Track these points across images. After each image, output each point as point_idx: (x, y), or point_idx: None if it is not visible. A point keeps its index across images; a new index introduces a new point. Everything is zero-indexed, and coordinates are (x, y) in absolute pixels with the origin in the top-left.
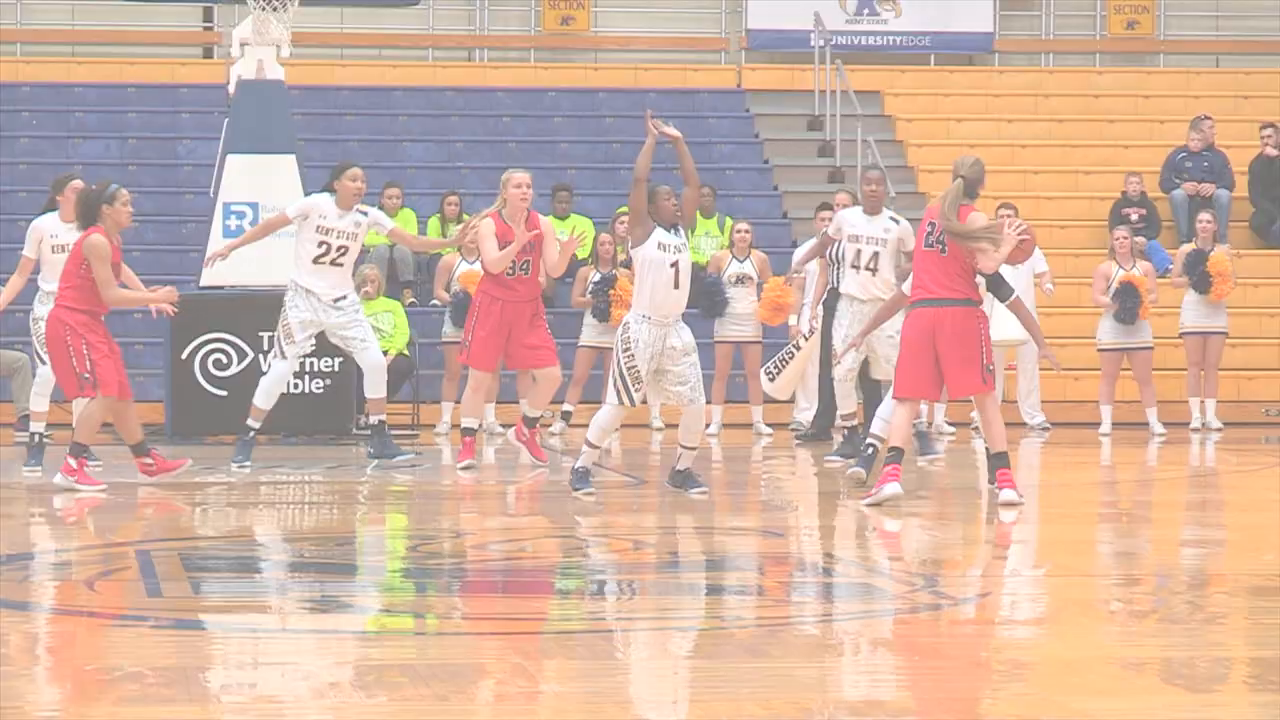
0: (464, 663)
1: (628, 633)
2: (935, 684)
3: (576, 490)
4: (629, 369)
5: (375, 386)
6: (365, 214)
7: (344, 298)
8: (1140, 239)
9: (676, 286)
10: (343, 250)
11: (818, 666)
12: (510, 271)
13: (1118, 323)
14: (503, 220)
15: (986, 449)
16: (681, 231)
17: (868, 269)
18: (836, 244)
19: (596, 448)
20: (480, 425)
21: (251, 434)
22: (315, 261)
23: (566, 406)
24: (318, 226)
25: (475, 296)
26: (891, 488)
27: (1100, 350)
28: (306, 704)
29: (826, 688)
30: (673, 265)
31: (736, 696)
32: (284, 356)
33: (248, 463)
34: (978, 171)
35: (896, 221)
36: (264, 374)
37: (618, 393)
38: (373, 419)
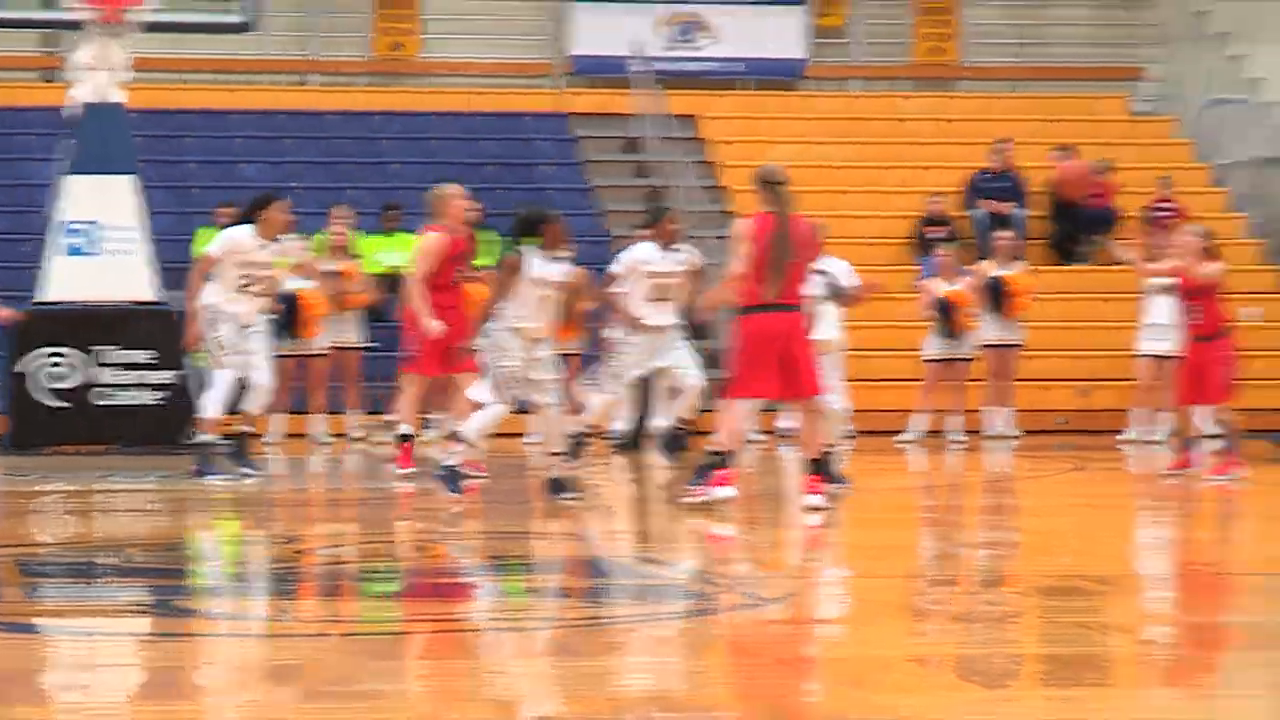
0: (290, 663)
1: (444, 634)
2: (743, 681)
3: (451, 491)
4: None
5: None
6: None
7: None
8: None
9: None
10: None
11: (633, 665)
12: (454, 281)
13: (940, 337)
14: (449, 234)
15: (802, 455)
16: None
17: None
18: None
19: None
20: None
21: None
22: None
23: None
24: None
25: (407, 315)
26: (724, 491)
27: (925, 360)
28: (140, 705)
29: (641, 685)
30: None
31: (549, 694)
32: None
33: (216, 473)
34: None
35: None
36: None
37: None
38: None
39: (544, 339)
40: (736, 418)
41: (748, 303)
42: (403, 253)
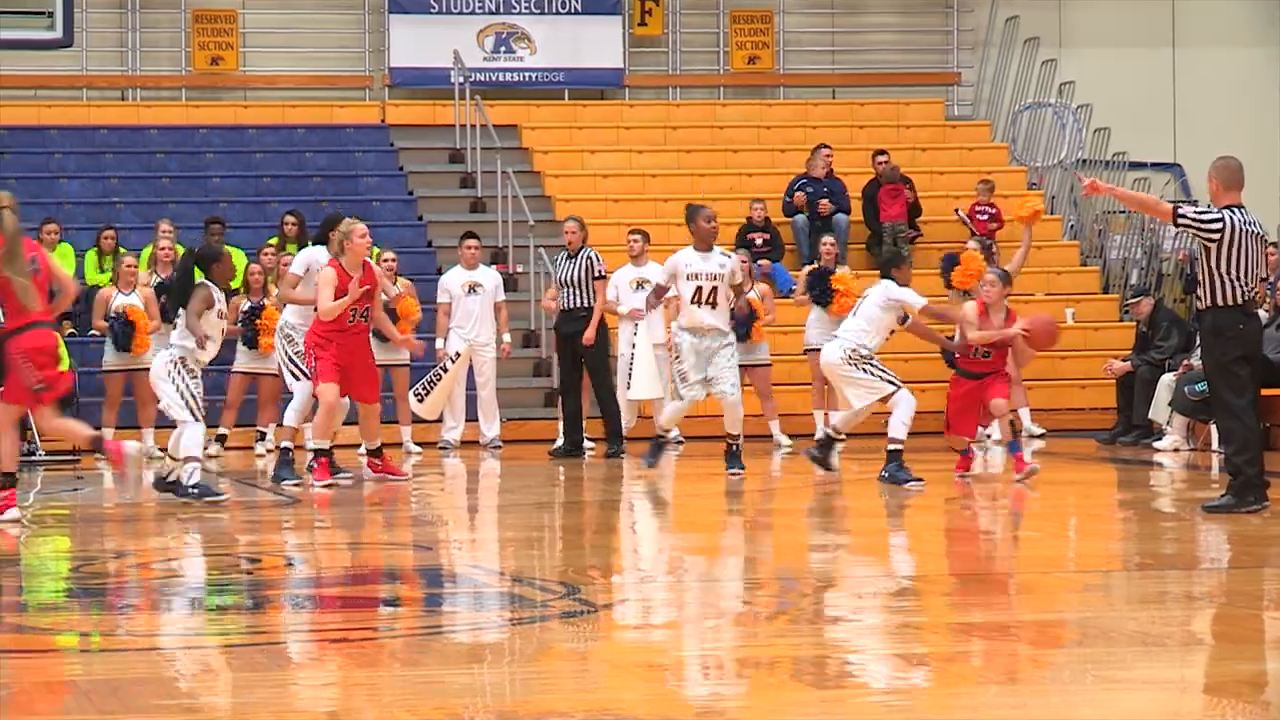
0: (126, 678)
1: (284, 645)
2: (576, 685)
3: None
4: None
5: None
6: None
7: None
8: (764, 261)
9: None
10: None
11: (467, 673)
12: (350, 319)
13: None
14: (342, 269)
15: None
16: None
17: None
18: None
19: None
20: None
21: (290, 452)
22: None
23: (222, 430)
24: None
25: (308, 339)
26: None
27: None
28: None
29: (475, 693)
30: None
31: (388, 704)
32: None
33: (291, 476)
34: None
35: (728, 256)
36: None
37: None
38: (282, 444)
39: None
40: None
41: None
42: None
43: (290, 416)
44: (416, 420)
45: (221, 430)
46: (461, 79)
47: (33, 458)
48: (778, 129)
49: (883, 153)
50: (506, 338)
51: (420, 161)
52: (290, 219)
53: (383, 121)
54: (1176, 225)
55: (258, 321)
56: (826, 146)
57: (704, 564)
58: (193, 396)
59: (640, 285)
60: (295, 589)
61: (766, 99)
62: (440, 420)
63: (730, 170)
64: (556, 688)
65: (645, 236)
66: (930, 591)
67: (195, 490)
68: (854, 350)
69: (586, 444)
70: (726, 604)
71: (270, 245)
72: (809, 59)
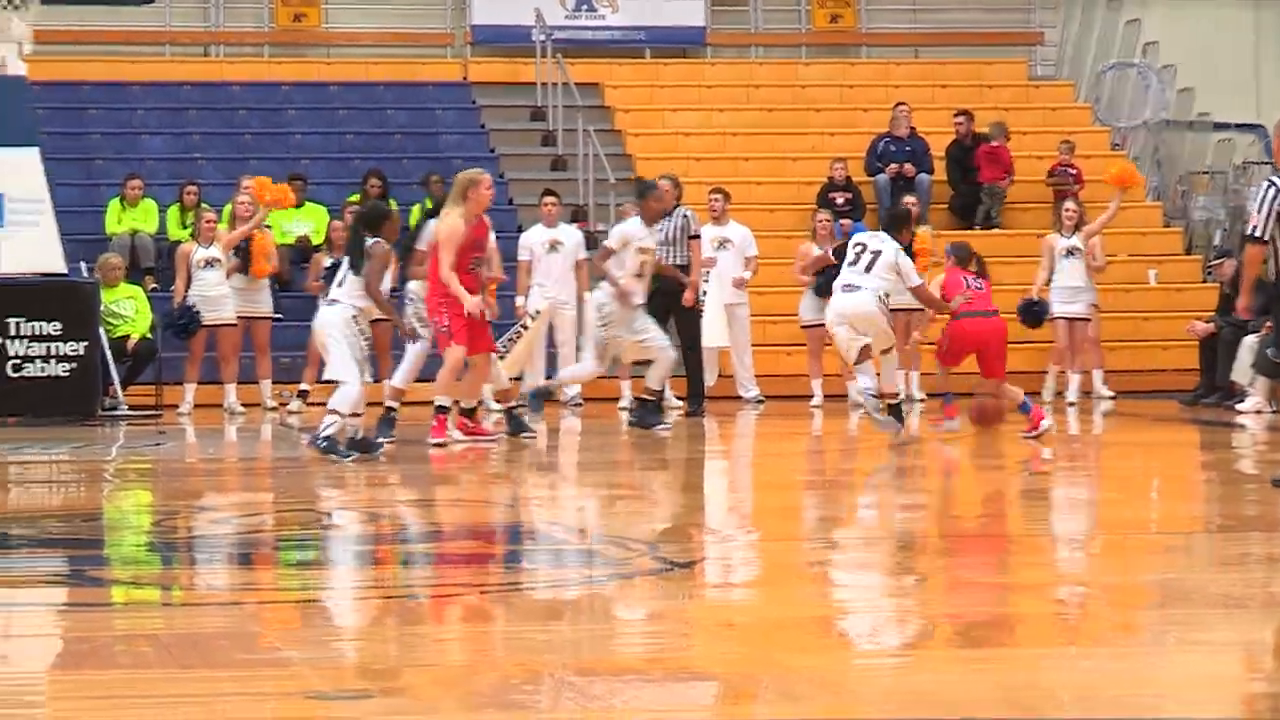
0: (207, 632)
1: (366, 600)
2: (655, 643)
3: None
4: None
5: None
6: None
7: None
8: (845, 221)
9: None
10: None
11: (546, 630)
12: (471, 267)
13: (817, 298)
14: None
15: None
16: None
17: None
18: None
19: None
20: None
21: (392, 413)
22: None
23: (304, 386)
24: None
25: (433, 301)
26: None
27: (803, 327)
28: (58, 674)
29: (554, 649)
30: None
31: (468, 660)
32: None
33: (391, 435)
34: None
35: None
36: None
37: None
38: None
39: None
40: None
41: None
42: (310, 222)
43: (399, 377)
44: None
45: (303, 386)
46: (543, 37)
47: (116, 412)
48: (859, 88)
49: (963, 112)
50: (588, 295)
51: (501, 119)
52: (374, 180)
53: (464, 79)
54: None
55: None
56: (904, 104)
57: (783, 522)
58: (359, 356)
59: (722, 244)
60: (375, 545)
61: (848, 58)
62: (520, 378)
63: (811, 129)
64: (636, 645)
65: (726, 195)
66: (1010, 551)
67: (324, 443)
68: (884, 297)
69: (673, 401)
70: (805, 563)
71: (352, 202)
72: (891, 18)
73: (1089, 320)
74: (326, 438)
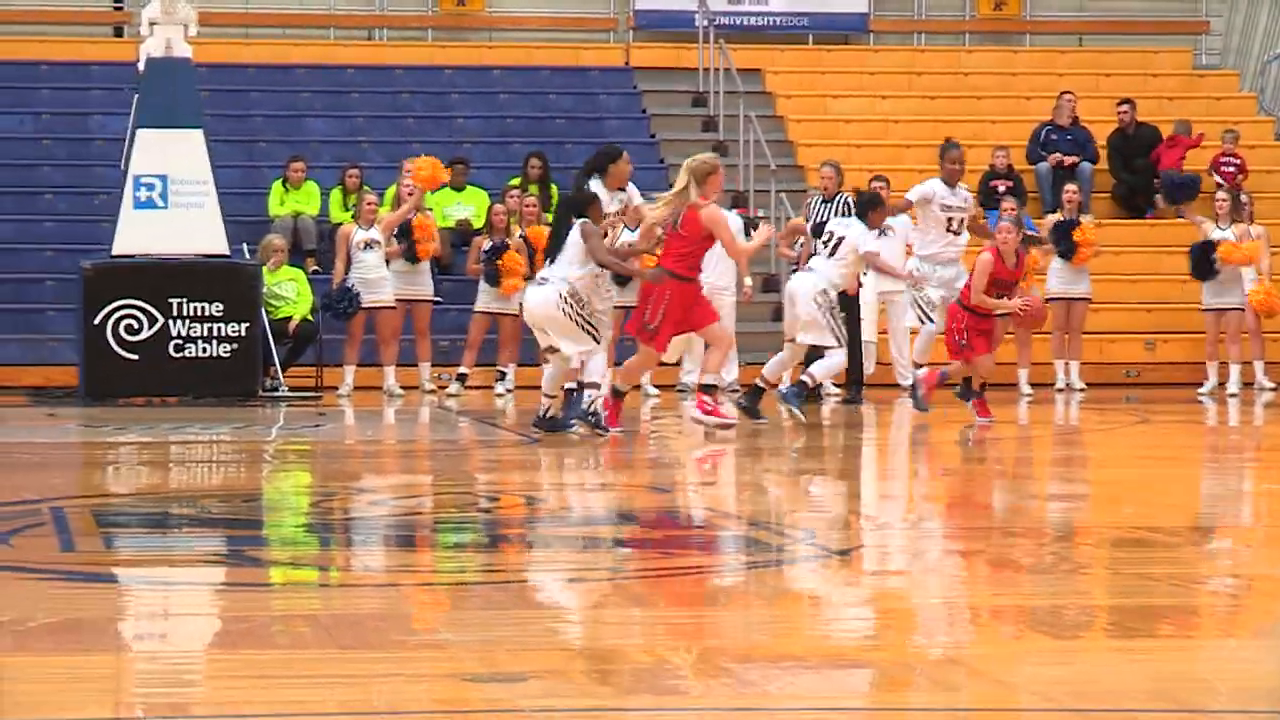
0: (364, 613)
1: (521, 584)
2: (812, 630)
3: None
4: None
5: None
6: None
7: None
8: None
9: None
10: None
11: (702, 615)
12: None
13: None
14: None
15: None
16: None
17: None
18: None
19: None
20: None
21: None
22: None
23: (463, 369)
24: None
25: (665, 280)
26: None
27: None
28: (215, 653)
29: (711, 635)
30: None
31: (624, 643)
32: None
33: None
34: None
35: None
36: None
37: None
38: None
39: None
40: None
41: None
42: (471, 206)
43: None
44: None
45: (462, 369)
46: (705, 22)
47: (276, 394)
48: (1023, 76)
49: (1127, 101)
50: (749, 281)
51: (663, 104)
52: (535, 161)
53: (626, 64)
54: None
55: (499, 262)
56: (1071, 94)
57: (941, 511)
58: (589, 323)
59: (883, 232)
60: (533, 528)
61: (1012, 45)
62: (679, 363)
63: (974, 117)
64: (792, 632)
65: (887, 183)
66: (1166, 543)
67: (593, 418)
68: (828, 289)
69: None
70: (962, 551)
71: (513, 186)
72: (1056, 5)
73: (1241, 311)
74: (593, 412)
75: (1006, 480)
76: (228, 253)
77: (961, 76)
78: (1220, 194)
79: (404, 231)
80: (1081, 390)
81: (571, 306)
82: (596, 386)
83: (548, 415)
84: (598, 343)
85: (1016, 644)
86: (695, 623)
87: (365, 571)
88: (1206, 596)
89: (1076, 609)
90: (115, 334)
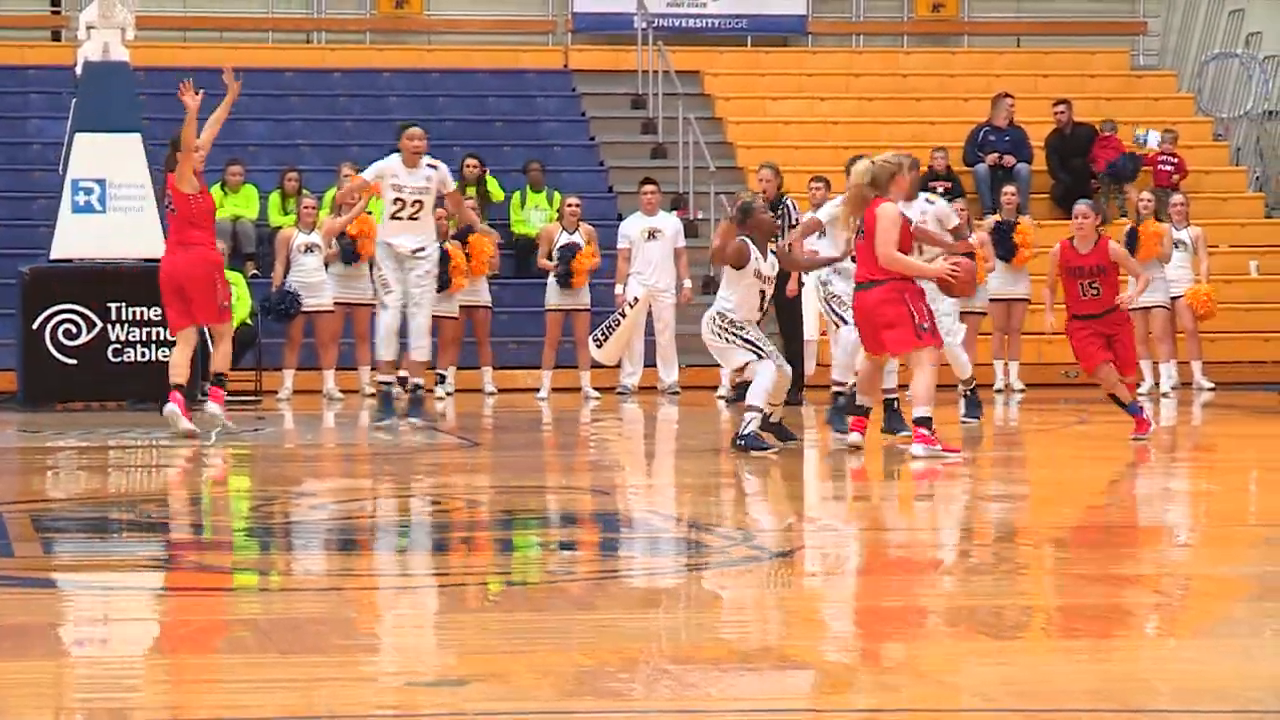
0: (305, 617)
1: (462, 587)
2: (750, 631)
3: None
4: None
5: (415, 350)
6: (435, 168)
7: (422, 249)
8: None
9: None
10: (417, 205)
11: (642, 617)
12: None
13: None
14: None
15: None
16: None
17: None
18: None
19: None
20: None
21: (387, 389)
22: (392, 218)
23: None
24: (392, 185)
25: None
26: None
27: None
28: (156, 658)
29: (650, 637)
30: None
31: (564, 647)
32: (385, 306)
33: (388, 418)
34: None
35: (931, 203)
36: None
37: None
38: (411, 381)
39: None
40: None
41: None
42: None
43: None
44: (595, 365)
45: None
46: (644, 25)
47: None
48: (961, 77)
49: (1063, 102)
50: (687, 284)
51: (602, 107)
52: (471, 161)
53: (565, 67)
54: None
55: (573, 261)
56: (1009, 95)
57: (879, 513)
58: (754, 343)
59: (823, 234)
60: (471, 531)
61: (950, 47)
62: (619, 366)
63: (913, 119)
64: (731, 633)
65: (827, 184)
66: (1106, 544)
67: (743, 441)
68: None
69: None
70: (901, 553)
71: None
72: (993, 7)
73: (1167, 309)
74: (745, 435)
75: (947, 481)
76: None
77: (900, 78)
78: (1144, 194)
79: (342, 236)
80: (1021, 391)
81: (721, 328)
82: (758, 410)
83: (774, 421)
84: (760, 358)
85: (958, 644)
86: (633, 625)
87: (306, 575)
88: (1148, 596)
89: (1017, 609)
90: (54, 339)
